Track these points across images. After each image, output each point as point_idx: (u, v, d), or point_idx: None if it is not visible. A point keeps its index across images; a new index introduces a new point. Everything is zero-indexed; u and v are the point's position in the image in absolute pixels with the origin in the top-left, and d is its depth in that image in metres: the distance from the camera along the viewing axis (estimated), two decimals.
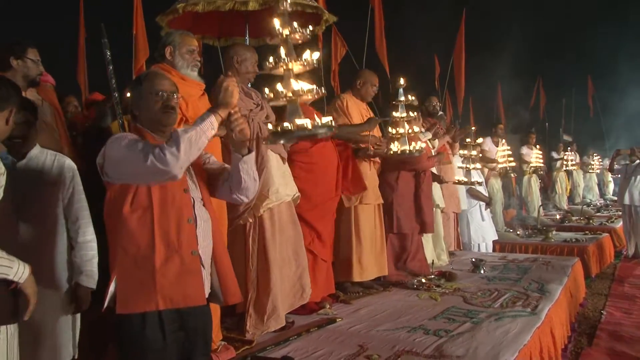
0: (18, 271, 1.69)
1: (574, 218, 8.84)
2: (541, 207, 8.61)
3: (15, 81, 2.22)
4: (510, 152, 7.41)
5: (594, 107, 15.28)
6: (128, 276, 1.81)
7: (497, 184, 7.54)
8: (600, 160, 12.27)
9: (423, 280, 4.17)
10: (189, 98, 2.60)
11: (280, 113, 2.49)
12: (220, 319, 2.85)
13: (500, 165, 7.27)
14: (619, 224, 8.20)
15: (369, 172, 4.12)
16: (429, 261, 4.61)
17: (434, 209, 4.95)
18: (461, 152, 5.56)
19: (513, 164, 7.58)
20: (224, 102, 1.87)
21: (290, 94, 2.04)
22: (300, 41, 2.13)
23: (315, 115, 2.05)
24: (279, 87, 2.06)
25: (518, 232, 7.33)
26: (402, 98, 3.93)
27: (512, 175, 8.03)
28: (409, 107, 4.02)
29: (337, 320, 3.26)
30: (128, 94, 2.33)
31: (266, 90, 2.08)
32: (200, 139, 1.79)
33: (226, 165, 2.12)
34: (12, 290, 1.72)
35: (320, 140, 3.51)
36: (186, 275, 1.84)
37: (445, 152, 5.39)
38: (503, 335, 2.87)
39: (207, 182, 2.07)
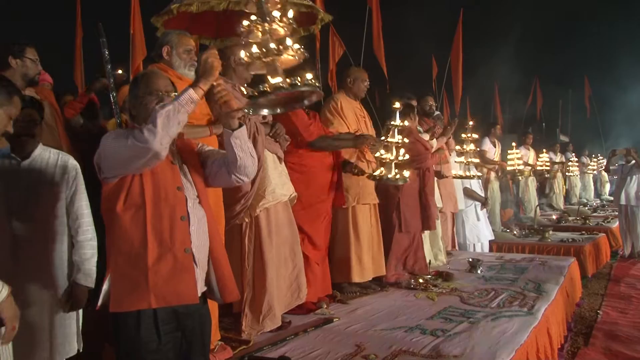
0: None
1: (570, 218, 8.87)
2: (538, 207, 8.62)
3: (14, 81, 2.22)
4: (519, 155, 7.40)
5: (590, 107, 15.33)
6: (121, 274, 1.80)
7: (496, 184, 7.56)
8: (599, 160, 12.29)
9: (420, 280, 4.18)
10: None
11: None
12: (218, 319, 2.84)
13: (508, 169, 7.27)
14: (615, 224, 8.24)
15: (367, 171, 4.12)
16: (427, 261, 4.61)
17: None
18: (457, 147, 5.53)
19: (522, 167, 7.59)
20: (205, 75, 1.85)
21: (267, 53, 1.89)
22: (284, 29, 1.98)
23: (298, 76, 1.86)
24: (254, 48, 1.92)
25: (515, 232, 7.34)
26: (398, 122, 3.81)
27: (519, 178, 8.01)
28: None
29: (335, 320, 3.26)
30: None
31: (242, 53, 1.94)
32: (178, 113, 1.75)
33: (222, 151, 2.07)
34: None
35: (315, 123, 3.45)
36: (179, 273, 1.82)
37: (443, 150, 5.39)
38: (500, 335, 2.88)
39: (203, 176, 2.03)
